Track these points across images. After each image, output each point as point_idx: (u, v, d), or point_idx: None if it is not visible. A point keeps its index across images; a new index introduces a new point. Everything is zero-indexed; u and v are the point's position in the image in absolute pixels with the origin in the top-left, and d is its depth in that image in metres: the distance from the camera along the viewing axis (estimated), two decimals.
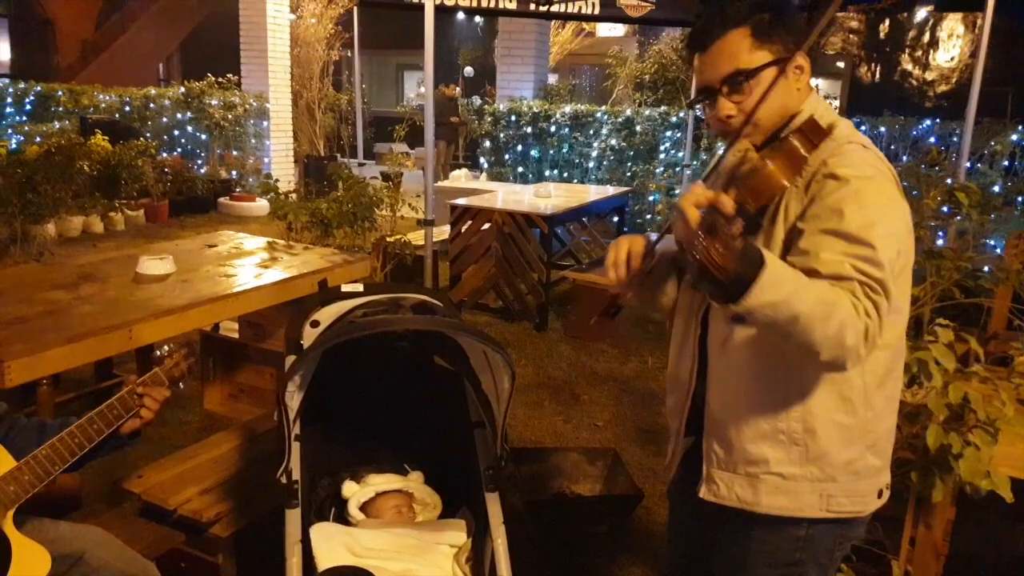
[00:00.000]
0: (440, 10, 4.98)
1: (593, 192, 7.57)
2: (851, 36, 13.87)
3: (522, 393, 4.51)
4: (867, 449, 1.49)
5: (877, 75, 13.99)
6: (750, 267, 1.21)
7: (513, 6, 7.46)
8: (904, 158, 7.98)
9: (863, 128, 8.14)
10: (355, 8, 9.26)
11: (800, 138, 1.38)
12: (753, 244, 1.25)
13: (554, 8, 7.57)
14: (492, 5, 6.34)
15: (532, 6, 7.56)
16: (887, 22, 13.73)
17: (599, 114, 9.57)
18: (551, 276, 5.85)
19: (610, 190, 7.89)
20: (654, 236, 1.57)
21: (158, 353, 1.96)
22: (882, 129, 8.22)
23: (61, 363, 2.41)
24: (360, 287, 2.15)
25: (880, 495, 1.54)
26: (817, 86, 1.79)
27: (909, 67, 13.58)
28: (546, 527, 3.10)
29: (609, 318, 1.56)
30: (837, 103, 13.41)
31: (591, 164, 9.57)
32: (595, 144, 9.53)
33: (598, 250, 7.48)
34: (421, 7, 4.48)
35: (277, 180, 6.02)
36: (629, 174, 9.29)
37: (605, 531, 3.16)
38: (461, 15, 12.09)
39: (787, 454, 1.47)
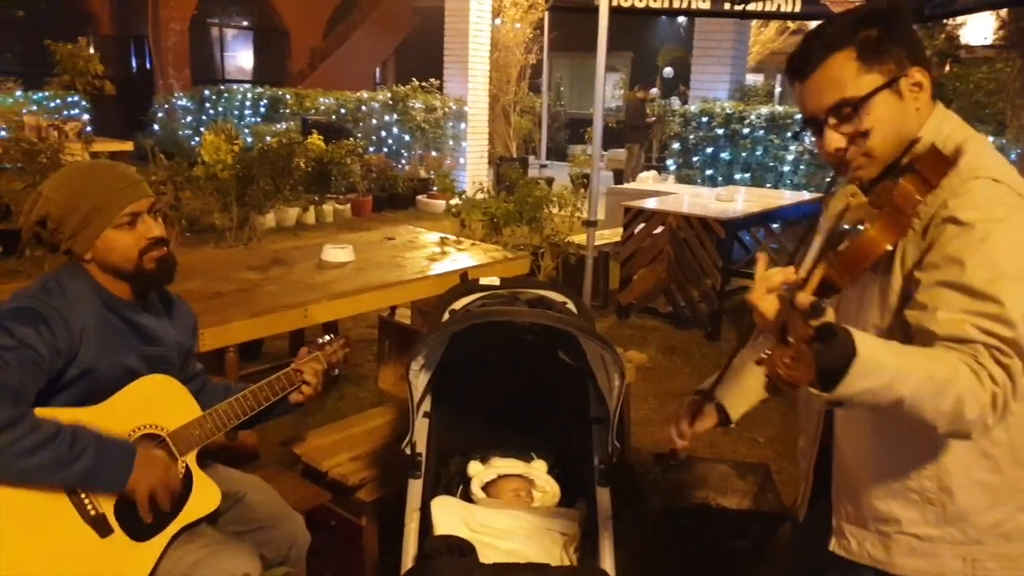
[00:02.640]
0: (616, 12, 5.01)
1: (786, 198, 7.26)
2: None
3: (681, 401, 4.45)
4: (1019, 509, 1.34)
5: None
6: (838, 357, 1.09)
7: (707, 6, 7.30)
8: None
9: None
10: (545, 14, 9.51)
11: (915, 180, 1.18)
12: (843, 330, 1.12)
13: (750, 7, 7.32)
14: (675, 5, 6.24)
15: (727, 5, 7.37)
16: None
17: (798, 116, 9.13)
18: (728, 284, 5.69)
19: (805, 196, 7.53)
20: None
21: (319, 341, 2.19)
22: None
23: (243, 334, 2.75)
24: (497, 281, 2.28)
25: None
26: None
27: None
28: (686, 536, 3.07)
29: (669, 467, 1.60)
30: None
31: (786, 168, 9.16)
32: (792, 147, 9.11)
33: (785, 258, 7.17)
34: (596, 9, 4.55)
35: (453, 179, 6.35)
36: (828, 179, 8.78)
37: (748, 547, 3.08)
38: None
39: (921, 514, 1.35)
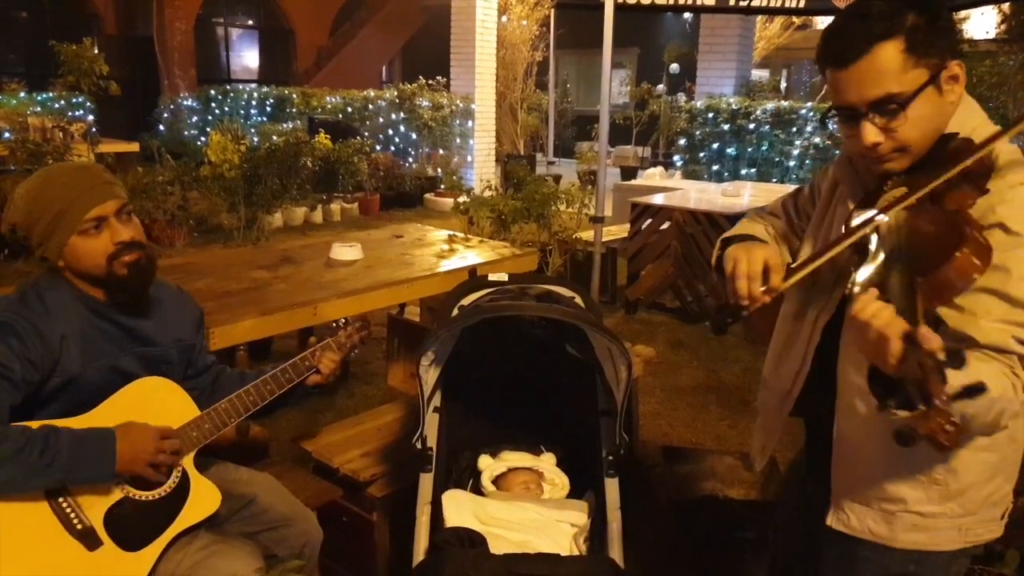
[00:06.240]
0: (621, 8, 5.02)
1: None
2: None
3: (688, 395, 4.48)
4: (1007, 480, 1.43)
5: None
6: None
7: (712, 2, 7.28)
8: None
9: None
10: (551, 11, 9.53)
11: (974, 190, 1.17)
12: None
13: (755, 2, 7.31)
14: (680, 2, 6.25)
15: (732, 1, 7.35)
16: None
17: (803, 111, 9.14)
18: None
19: None
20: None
21: (335, 324, 2.15)
22: None
23: (253, 333, 2.77)
24: (505, 277, 2.30)
25: (1003, 516, 1.46)
26: None
27: None
28: (694, 527, 3.10)
29: (721, 330, 1.42)
30: None
31: (792, 163, 9.17)
32: (797, 142, 9.12)
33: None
34: (602, 6, 4.56)
35: (461, 177, 6.39)
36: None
37: (754, 537, 3.10)
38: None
39: (926, 493, 1.41)
